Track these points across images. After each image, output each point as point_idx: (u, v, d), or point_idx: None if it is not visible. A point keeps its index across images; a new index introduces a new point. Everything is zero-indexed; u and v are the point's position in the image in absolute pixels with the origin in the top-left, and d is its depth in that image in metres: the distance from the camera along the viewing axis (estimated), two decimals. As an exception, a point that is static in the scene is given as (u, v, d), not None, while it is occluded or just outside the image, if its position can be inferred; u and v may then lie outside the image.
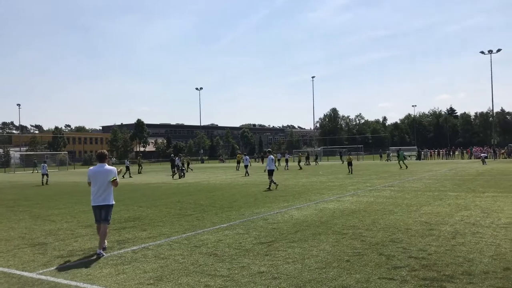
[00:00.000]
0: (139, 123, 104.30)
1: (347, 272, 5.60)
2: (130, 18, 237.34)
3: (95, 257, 6.85)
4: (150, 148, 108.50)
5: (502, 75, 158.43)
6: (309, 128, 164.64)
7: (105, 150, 7.71)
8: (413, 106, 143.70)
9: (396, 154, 61.69)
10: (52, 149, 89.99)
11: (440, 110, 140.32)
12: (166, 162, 77.95)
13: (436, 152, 63.21)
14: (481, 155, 41.09)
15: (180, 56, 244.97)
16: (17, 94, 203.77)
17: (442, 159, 58.30)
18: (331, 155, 73.14)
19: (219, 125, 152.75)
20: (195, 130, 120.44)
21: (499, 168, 30.19)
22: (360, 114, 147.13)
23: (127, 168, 35.12)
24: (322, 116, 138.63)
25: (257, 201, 13.95)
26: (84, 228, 9.78)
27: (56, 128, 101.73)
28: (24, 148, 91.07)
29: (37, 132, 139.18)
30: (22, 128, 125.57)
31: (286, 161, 41.34)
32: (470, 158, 54.52)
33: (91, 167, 7.55)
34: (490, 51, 55.71)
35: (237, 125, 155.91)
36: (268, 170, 18.82)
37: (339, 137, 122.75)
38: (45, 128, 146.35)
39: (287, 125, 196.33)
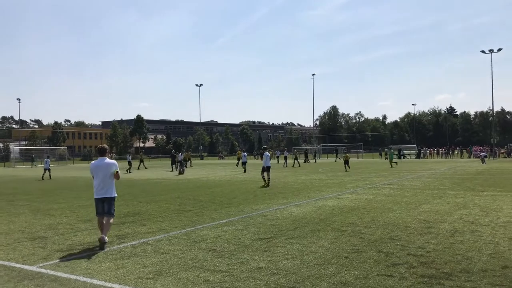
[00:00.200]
0: (139, 118, 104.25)
1: (345, 268, 5.62)
2: (131, 14, 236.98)
3: (97, 249, 6.87)
4: (149, 144, 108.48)
5: (503, 75, 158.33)
6: (308, 126, 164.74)
7: (105, 145, 7.93)
8: (413, 104, 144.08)
9: (395, 153, 61.98)
10: (52, 144, 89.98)
11: (440, 109, 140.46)
12: (166, 158, 78.03)
13: (435, 151, 63.27)
14: (481, 154, 41.15)
15: (180, 52, 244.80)
16: (17, 89, 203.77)
17: (442, 158, 58.37)
18: (331, 153, 73.09)
19: (219, 121, 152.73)
20: (195, 126, 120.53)
21: (499, 167, 30.24)
22: (360, 112, 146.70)
23: (129, 163, 35.16)
24: (322, 113, 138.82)
25: (256, 198, 13.98)
26: (83, 222, 9.80)
27: (56, 123, 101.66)
28: (24, 143, 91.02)
29: (36, 126, 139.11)
30: (22, 122, 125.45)
31: (285, 158, 41.35)
32: (470, 157, 54.57)
33: (93, 161, 7.73)
34: (491, 50, 55.60)
35: (237, 122, 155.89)
36: (266, 167, 18.88)
37: (339, 135, 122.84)
38: (45, 123, 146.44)
39: (287, 123, 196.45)
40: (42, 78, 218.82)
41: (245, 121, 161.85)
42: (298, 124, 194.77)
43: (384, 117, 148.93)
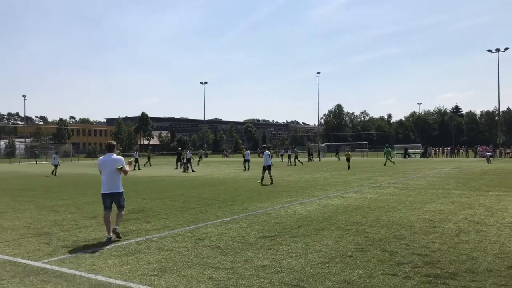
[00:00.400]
0: (143, 116, 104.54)
1: (350, 267, 5.61)
2: (136, 11, 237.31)
3: (107, 244, 6.90)
4: (154, 141, 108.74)
5: (509, 74, 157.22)
6: (313, 124, 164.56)
7: (113, 141, 8.08)
8: (418, 104, 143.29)
9: (400, 152, 61.82)
10: (57, 141, 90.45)
11: (446, 108, 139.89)
12: (170, 156, 78.19)
13: (440, 150, 63.00)
14: (486, 154, 40.92)
15: (185, 50, 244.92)
16: (22, 85, 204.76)
17: (447, 157, 58.12)
18: (339, 152, 73.00)
19: (223, 119, 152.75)
20: (199, 124, 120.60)
21: (504, 168, 30.07)
22: (365, 111, 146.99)
23: (136, 161, 35.36)
24: (326, 112, 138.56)
25: (260, 196, 13.98)
26: (88, 219, 9.84)
27: (61, 119, 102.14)
28: (29, 139, 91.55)
29: (41, 123, 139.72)
30: (27, 119, 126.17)
31: (289, 157, 41.28)
32: (475, 157, 54.30)
33: (101, 157, 7.84)
34: (498, 50, 55.29)
35: (241, 120, 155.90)
36: (267, 166, 18.98)
37: (343, 133, 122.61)
38: (50, 119, 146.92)
39: (291, 121, 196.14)
40: (48, 75, 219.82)
41: (249, 119, 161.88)
42: (303, 123, 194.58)
43: (389, 116, 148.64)
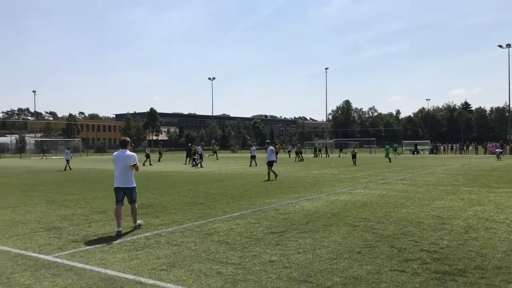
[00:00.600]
0: (152, 112, 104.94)
1: (358, 263, 5.61)
2: (143, 8, 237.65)
3: (117, 239, 6.97)
4: (162, 137, 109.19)
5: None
6: (321, 120, 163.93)
7: (127, 138, 8.40)
8: (427, 100, 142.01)
9: (408, 148, 61.42)
10: (66, 136, 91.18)
11: (455, 105, 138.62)
12: (178, 152, 78.50)
13: (449, 147, 62.49)
14: (496, 150, 40.52)
15: (193, 46, 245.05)
16: (32, 81, 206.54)
17: (456, 153, 57.66)
18: (344, 148, 72.74)
19: (231, 115, 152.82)
20: (207, 120, 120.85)
21: (514, 164, 29.76)
22: (374, 107, 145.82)
23: (147, 156, 35.63)
24: (335, 108, 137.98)
25: (268, 192, 14.00)
26: (97, 214, 9.93)
27: (70, 115, 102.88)
28: (39, 135, 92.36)
29: (51, 118, 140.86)
30: (37, 114, 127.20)
31: (296, 153, 41.16)
32: (485, 154, 53.78)
33: (115, 153, 8.11)
34: (508, 45, 54.64)
35: (249, 116, 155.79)
36: (268, 161, 19.05)
37: (352, 129, 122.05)
38: (59, 115, 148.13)
39: (299, 117, 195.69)
40: (57, 71, 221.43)
41: (257, 115, 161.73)
42: (311, 119, 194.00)
43: (398, 112, 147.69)
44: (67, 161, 28.92)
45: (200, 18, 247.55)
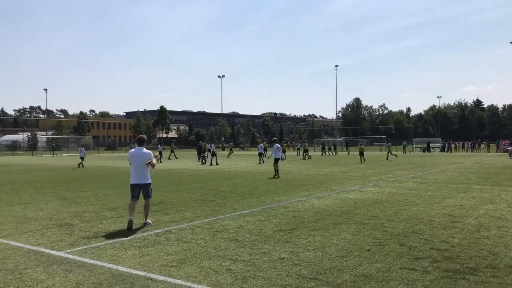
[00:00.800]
0: (162, 109, 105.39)
1: (368, 261, 5.59)
2: (153, 5, 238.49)
3: (127, 235, 7.03)
4: (172, 134, 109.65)
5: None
6: (331, 118, 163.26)
7: (144, 135, 8.60)
8: (438, 97, 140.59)
9: (421, 146, 60.89)
10: (77, 134, 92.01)
11: (466, 102, 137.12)
12: (188, 149, 78.77)
13: (460, 145, 61.87)
14: (509, 148, 40.02)
15: (202, 44, 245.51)
16: (44, 79, 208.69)
17: (467, 151, 57.06)
18: (353, 146, 72.40)
19: (240, 113, 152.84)
20: (217, 117, 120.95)
21: (527, 162, 29.37)
22: (384, 104, 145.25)
23: (160, 154, 36.02)
24: (344, 105, 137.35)
25: (278, 189, 14.00)
26: (108, 211, 10.02)
27: (81, 113, 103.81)
28: (51, 132, 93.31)
29: (62, 116, 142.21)
30: (48, 112, 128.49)
31: (306, 150, 41.01)
32: (497, 151, 53.15)
33: (131, 150, 8.36)
34: (522, 41, 53.77)
35: (258, 114, 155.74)
36: (274, 158, 19.26)
37: (362, 127, 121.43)
38: (70, 113, 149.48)
39: (309, 114, 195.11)
40: (68, 69, 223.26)
41: (267, 113, 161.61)
42: (320, 116, 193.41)
43: (408, 109, 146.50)
44: (81, 158, 29.23)
45: (208, 17, 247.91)
